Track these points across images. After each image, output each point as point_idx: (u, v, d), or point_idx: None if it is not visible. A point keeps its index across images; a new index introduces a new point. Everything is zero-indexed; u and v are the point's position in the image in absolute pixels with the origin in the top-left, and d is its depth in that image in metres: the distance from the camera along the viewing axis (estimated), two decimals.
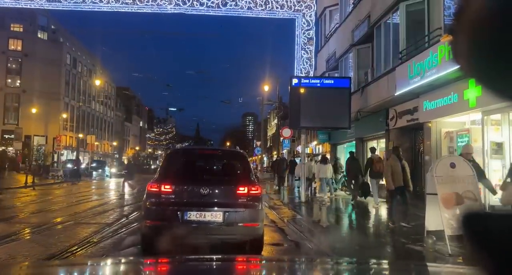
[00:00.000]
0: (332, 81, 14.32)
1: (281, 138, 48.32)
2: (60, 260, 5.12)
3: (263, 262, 2.56)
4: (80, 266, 2.09)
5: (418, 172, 13.65)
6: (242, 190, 5.97)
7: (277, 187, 17.93)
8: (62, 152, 52.36)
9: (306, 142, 54.62)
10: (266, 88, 36.02)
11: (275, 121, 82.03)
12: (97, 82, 46.22)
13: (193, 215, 5.74)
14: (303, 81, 14.24)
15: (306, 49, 21.94)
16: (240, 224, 5.86)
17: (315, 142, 61.32)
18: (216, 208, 5.81)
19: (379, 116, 14.89)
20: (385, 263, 2.79)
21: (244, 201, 5.91)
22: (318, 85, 14.14)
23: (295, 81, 14.19)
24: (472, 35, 0.50)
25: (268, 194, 18.42)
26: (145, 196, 6.05)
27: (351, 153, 15.86)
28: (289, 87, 14.40)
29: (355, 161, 15.21)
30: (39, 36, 55.98)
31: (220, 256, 2.26)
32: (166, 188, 5.89)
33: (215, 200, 5.92)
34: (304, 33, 22.19)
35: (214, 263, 2.09)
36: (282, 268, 2.08)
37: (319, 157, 17.33)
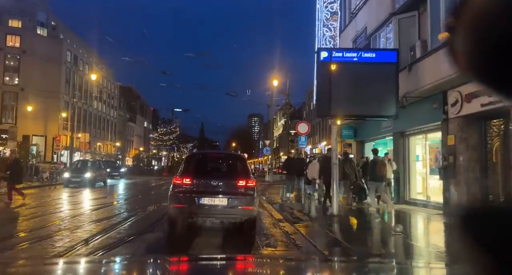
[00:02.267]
0: (374, 55, 10.53)
1: (289, 137, 44.72)
2: (76, 258, 4.80)
3: (269, 261, 2.52)
4: (86, 265, 2.05)
5: (496, 176, 9.83)
6: (242, 183, 7.77)
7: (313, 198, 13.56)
8: (62, 152, 48.98)
9: (320, 140, 49.82)
10: (275, 82, 32.57)
11: (282, 121, 78.33)
12: (93, 77, 42.51)
13: (206, 200, 7.60)
14: (334, 54, 10.46)
15: (329, 26, 18.04)
16: (240, 207, 7.65)
17: (324, 142, 57.42)
18: (222, 196, 7.65)
19: (433, 101, 11.10)
20: (386, 264, 2.49)
21: (243, 191, 7.74)
22: (355, 59, 10.38)
23: (324, 54, 10.43)
24: (475, 33, 0.45)
25: (283, 200, 14.62)
26: (171, 187, 7.90)
27: (345, 153, 14.41)
28: (315, 65, 10.65)
29: (348, 162, 12.62)
30: (38, 32, 52.79)
31: (230, 256, 2.52)
32: (186, 181, 7.79)
33: (222, 190, 7.74)
34: (326, 7, 18.28)
35: (224, 262, 2.08)
36: (294, 267, 2.05)
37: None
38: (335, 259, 3.81)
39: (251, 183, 7.77)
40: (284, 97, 50.26)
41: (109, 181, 29.87)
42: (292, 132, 50.04)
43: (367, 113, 10.58)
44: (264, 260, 2.47)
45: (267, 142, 35.87)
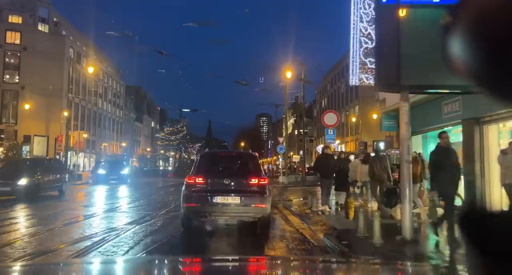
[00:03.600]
0: None
1: (299, 137, 40.84)
2: (90, 258, 4.80)
3: (279, 261, 2.46)
4: (96, 265, 2.02)
5: None
6: (254, 181, 7.81)
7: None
8: (64, 153, 45.83)
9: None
10: (288, 74, 28.93)
11: (291, 120, 74.53)
12: (90, 70, 39.12)
13: (219, 199, 7.58)
14: None
15: None
16: (253, 205, 7.65)
17: (338, 141, 53.24)
18: (235, 194, 7.64)
19: None
20: (387, 264, 2.47)
21: (255, 188, 7.77)
22: (436, 0, 6.58)
23: None
24: (475, 34, 0.41)
25: (313, 212, 10.78)
26: (184, 186, 7.93)
27: (375, 150, 13.13)
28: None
29: (379, 160, 10.17)
30: (40, 28, 49.68)
31: (243, 257, 2.37)
32: (199, 180, 7.79)
33: (234, 188, 7.72)
34: None
35: (237, 263, 2.02)
36: (310, 269, 1.97)
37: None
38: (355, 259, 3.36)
39: (263, 181, 7.87)
40: (295, 93, 46.51)
41: (104, 186, 23.43)
42: (304, 130, 46.27)
43: (453, 83, 6.74)
44: (278, 262, 2.32)
45: (281, 139, 31.96)
